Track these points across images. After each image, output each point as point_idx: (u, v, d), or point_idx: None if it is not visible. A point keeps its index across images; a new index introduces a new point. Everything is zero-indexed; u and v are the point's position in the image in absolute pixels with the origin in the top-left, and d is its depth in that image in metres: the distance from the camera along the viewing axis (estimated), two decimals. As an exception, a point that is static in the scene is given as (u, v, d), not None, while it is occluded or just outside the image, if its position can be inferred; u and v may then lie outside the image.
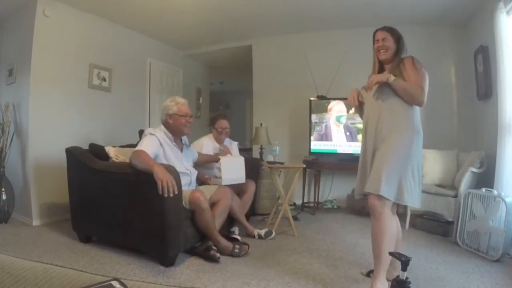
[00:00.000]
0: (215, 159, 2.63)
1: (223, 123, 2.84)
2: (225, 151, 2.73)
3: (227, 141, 2.97)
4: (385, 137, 1.68)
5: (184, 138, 2.44)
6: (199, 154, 2.65)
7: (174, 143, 2.27)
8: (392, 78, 1.64)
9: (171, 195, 1.79)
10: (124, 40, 3.91)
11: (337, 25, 3.87)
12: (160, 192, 1.77)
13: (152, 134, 2.17)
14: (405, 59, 1.71)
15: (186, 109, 2.31)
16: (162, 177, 1.79)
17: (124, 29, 3.87)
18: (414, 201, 1.64)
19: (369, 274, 1.88)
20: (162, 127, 2.29)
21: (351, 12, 3.48)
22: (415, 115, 1.70)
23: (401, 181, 1.60)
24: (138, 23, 3.80)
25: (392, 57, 1.76)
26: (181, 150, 2.35)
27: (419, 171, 1.67)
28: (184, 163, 2.32)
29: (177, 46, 4.81)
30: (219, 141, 2.89)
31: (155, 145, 2.13)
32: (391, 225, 1.64)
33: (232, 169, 2.52)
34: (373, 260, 1.68)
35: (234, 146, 3.03)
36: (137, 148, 2.06)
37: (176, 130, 2.28)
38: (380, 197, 1.58)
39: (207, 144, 2.85)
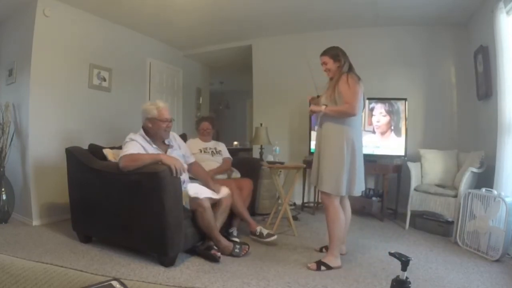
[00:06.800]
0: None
1: (205, 125, 3.09)
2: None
3: (213, 142, 3.10)
4: (324, 146, 2.08)
5: (170, 140, 2.38)
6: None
7: (154, 145, 2.24)
8: (323, 108, 2.05)
9: (180, 175, 2.00)
10: (124, 40, 3.90)
11: (337, 25, 3.86)
12: (174, 174, 1.96)
13: (132, 140, 2.16)
14: (342, 76, 2.01)
15: (167, 113, 2.27)
16: (170, 162, 1.97)
17: (124, 29, 3.87)
18: (331, 189, 2.03)
19: (321, 249, 2.30)
20: (142, 131, 2.28)
21: (351, 12, 3.47)
22: (345, 129, 2.01)
23: (338, 178, 2.00)
24: (138, 23, 3.79)
25: (335, 72, 2.11)
26: (165, 152, 2.27)
27: (358, 167, 2.05)
28: None
29: (177, 46, 4.81)
30: (205, 140, 3.08)
31: (138, 149, 2.12)
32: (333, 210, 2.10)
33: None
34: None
35: (221, 145, 3.14)
36: (124, 153, 2.05)
37: (154, 134, 2.26)
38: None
39: (194, 145, 2.98)
